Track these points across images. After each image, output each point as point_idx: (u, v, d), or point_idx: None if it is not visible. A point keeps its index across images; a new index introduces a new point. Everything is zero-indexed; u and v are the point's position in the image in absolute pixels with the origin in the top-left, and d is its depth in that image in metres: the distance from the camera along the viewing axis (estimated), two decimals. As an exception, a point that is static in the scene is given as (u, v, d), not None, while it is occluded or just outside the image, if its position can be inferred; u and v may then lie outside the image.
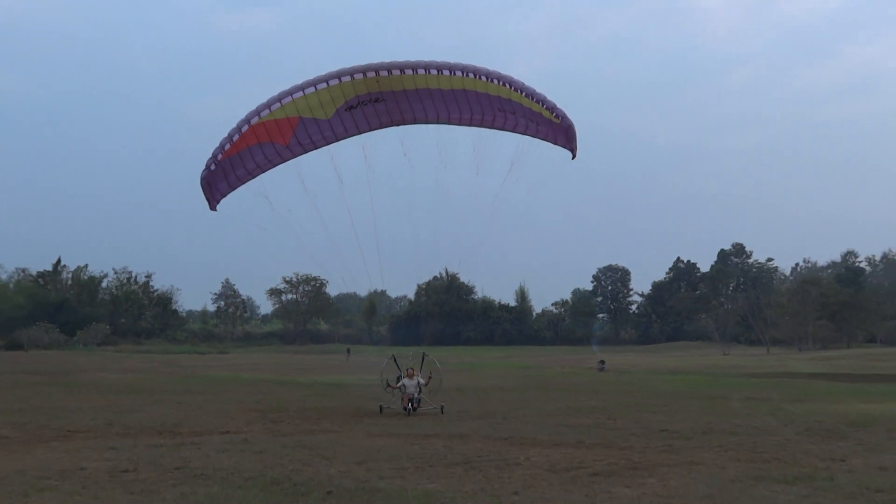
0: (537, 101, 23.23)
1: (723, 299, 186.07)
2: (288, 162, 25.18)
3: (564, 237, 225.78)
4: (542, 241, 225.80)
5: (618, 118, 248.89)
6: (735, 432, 23.56)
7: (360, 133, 24.13)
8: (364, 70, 22.51)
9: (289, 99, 22.74)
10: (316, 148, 24.02)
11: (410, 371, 27.94)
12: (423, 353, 29.56)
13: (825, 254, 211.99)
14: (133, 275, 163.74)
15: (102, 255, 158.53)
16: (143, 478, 15.45)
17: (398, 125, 24.29)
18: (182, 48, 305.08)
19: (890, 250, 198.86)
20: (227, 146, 23.07)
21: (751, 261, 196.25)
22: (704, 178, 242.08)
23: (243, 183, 23.99)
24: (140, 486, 14.73)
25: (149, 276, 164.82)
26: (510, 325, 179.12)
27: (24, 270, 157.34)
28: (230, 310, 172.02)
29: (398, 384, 27.66)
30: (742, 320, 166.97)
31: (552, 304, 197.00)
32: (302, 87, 22.63)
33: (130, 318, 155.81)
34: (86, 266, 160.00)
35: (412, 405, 27.17)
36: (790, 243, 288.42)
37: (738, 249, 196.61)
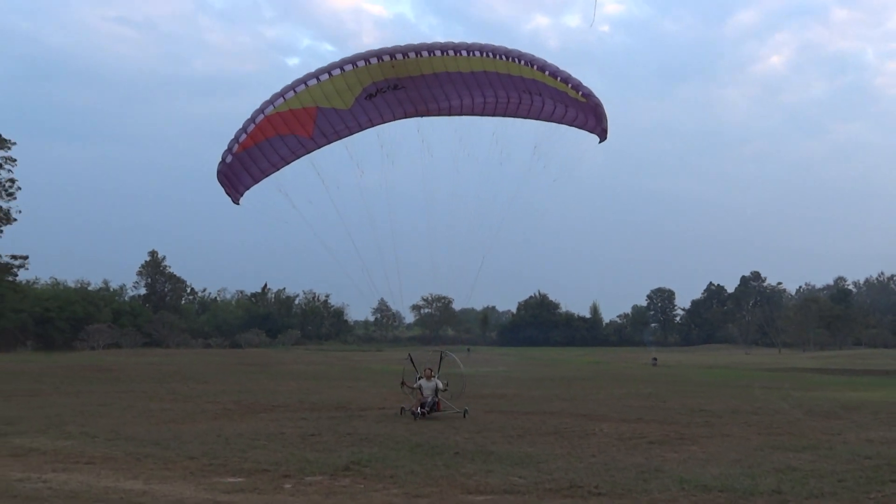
0: (562, 80, 18.09)
1: (744, 313, 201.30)
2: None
3: (626, 265, 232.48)
4: (610, 267, 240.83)
5: (664, 181, 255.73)
6: (756, 412, 24.88)
7: (383, 122, 19.64)
8: (379, 54, 17.99)
9: (303, 87, 18.18)
10: (340, 138, 19.56)
11: (428, 371, 22.18)
12: (441, 353, 23.16)
13: (822, 278, 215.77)
14: (316, 295, 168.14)
15: (297, 280, 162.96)
16: (325, 440, 17.03)
17: (421, 116, 19.72)
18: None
19: (871, 276, 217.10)
20: (243, 138, 18.65)
21: (765, 284, 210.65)
22: (729, 223, 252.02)
23: (267, 175, 19.57)
24: (322, 445, 16.50)
25: (327, 296, 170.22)
26: (586, 331, 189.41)
27: (241, 292, 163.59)
28: (384, 320, 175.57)
29: (416, 384, 22.13)
30: (759, 328, 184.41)
31: (617, 316, 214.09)
32: (317, 75, 18.20)
33: (315, 325, 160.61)
34: (284, 289, 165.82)
35: (424, 409, 21.17)
36: (795, 271, 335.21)
37: (756, 276, 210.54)
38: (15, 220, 79.98)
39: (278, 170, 19.47)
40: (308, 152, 19.39)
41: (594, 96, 18.29)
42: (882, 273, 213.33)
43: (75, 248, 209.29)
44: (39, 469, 13.11)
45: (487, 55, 17.86)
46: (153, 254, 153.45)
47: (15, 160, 79.86)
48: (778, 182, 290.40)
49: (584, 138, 19.59)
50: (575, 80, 18.09)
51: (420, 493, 11.62)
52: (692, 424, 20.74)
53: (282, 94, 18.29)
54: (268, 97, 18.58)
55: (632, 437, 17.92)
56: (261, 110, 18.34)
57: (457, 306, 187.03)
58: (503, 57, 17.86)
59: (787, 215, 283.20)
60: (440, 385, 21.89)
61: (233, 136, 18.75)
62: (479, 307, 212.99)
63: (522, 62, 17.83)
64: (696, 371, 60.58)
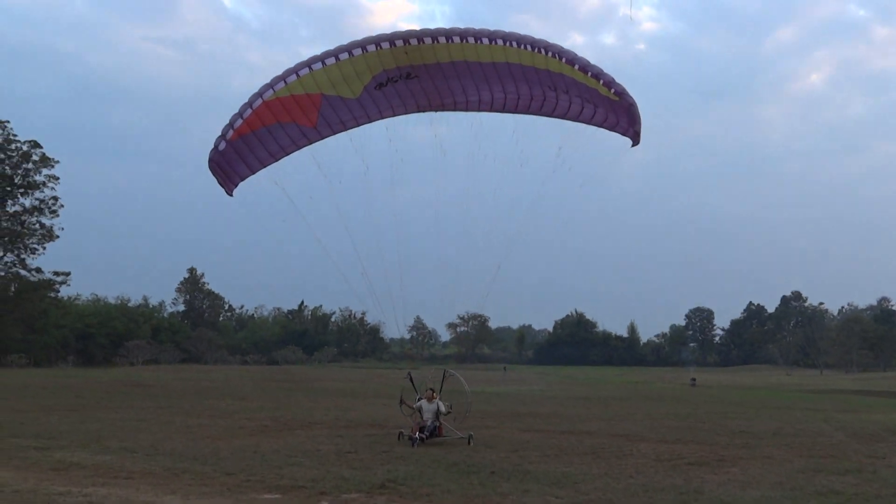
0: (593, 76, 16.06)
1: (785, 333, 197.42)
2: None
3: (664, 284, 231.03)
4: (648, 286, 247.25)
5: (703, 199, 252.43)
6: (797, 434, 24.47)
7: (393, 115, 17.73)
8: (392, 39, 16.02)
9: (307, 71, 16.14)
10: (345, 129, 17.57)
11: (429, 393, 19.98)
12: (445, 371, 21.45)
13: (865, 299, 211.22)
14: (353, 312, 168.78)
15: (334, 297, 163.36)
16: (361, 457, 17.16)
17: (435, 110, 17.75)
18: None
19: None
20: (239, 123, 16.73)
21: (806, 304, 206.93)
22: (769, 242, 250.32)
23: (265, 166, 17.69)
24: (359, 463, 16.57)
25: (363, 314, 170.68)
26: (623, 350, 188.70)
27: (279, 309, 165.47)
28: (420, 338, 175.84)
29: (415, 405, 20.07)
30: (800, 349, 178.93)
31: (655, 336, 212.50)
32: (322, 58, 16.14)
33: (351, 342, 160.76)
34: (321, 306, 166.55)
35: (423, 434, 18.94)
36: (837, 290, 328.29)
37: (797, 295, 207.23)
38: (57, 236, 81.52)
39: (277, 160, 17.76)
40: (310, 143, 17.66)
41: (628, 95, 16.42)
42: None
43: (116, 264, 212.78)
44: (80, 483, 13.25)
45: (511, 44, 15.98)
46: (192, 271, 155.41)
47: (58, 178, 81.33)
48: (818, 200, 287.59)
49: (615, 141, 17.67)
50: (607, 76, 16.25)
51: (456, 511, 11.63)
52: (732, 446, 20.48)
53: (283, 77, 16.44)
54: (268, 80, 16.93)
55: (670, 459, 17.74)
56: (259, 94, 16.57)
57: (464, 310, 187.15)
58: (528, 47, 15.97)
59: (828, 234, 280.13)
60: (442, 408, 19.76)
61: (227, 122, 17.02)
62: (515, 326, 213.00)
63: (550, 54, 15.97)
64: (736, 392, 59.82)
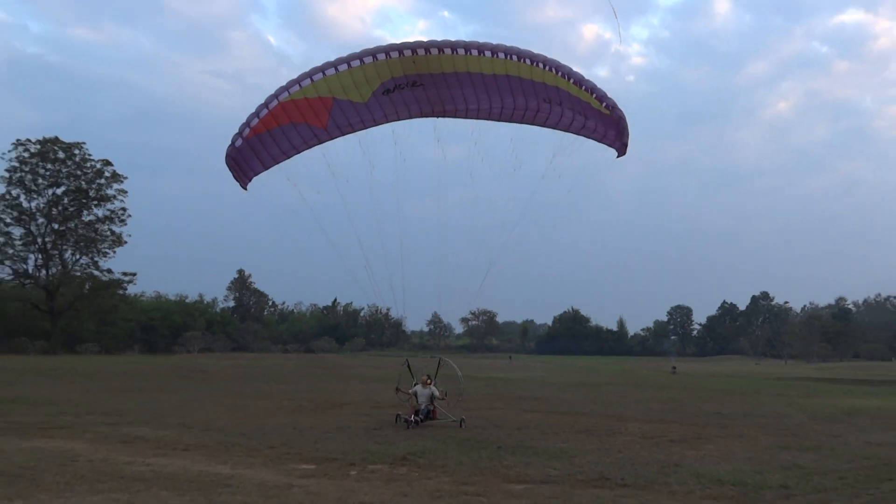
0: (586, 89, 15.60)
1: (754, 328, 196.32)
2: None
3: (649, 284, 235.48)
4: (635, 286, 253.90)
5: (684, 211, 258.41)
6: (765, 416, 24.55)
7: (398, 119, 16.92)
8: (401, 48, 15.40)
9: (320, 76, 15.48)
10: (354, 131, 16.82)
11: (425, 379, 19.18)
12: (440, 359, 20.22)
13: (824, 299, 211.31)
14: (379, 308, 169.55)
15: (362, 295, 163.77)
16: (385, 434, 17.48)
17: (437, 116, 17.00)
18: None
19: (869, 297, 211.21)
20: (255, 122, 16.02)
21: (773, 303, 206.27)
22: (741, 249, 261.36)
23: (278, 163, 16.90)
24: (383, 438, 16.73)
25: (388, 309, 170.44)
26: (613, 342, 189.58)
27: (315, 305, 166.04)
28: (437, 330, 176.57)
29: (411, 391, 19.22)
30: (768, 342, 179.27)
31: (641, 329, 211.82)
32: (335, 65, 15.49)
33: (377, 334, 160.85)
34: (351, 302, 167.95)
35: (418, 417, 18.26)
36: (800, 291, 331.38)
37: (765, 295, 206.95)
38: (125, 242, 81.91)
39: (289, 158, 16.92)
40: (320, 143, 16.84)
41: (618, 109, 16.01)
42: (879, 294, 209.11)
43: (175, 266, 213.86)
44: (144, 454, 13.37)
45: (512, 57, 15.37)
46: (240, 272, 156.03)
47: (126, 192, 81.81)
48: (786, 213, 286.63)
49: (604, 153, 17.07)
50: (600, 90, 15.79)
51: (467, 481, 11.64)
52: (708, 426, 20.41)
53: (297, 81, 15.68)
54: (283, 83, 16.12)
55: (654, 436, 17.71)
56: (275, 96, 15.80)
57: (460, 311, 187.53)
58: (528, 60, 15.36)
59: (793, 242, 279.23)
60: (436, 393, 18.91)
61: (244, 120, 16.29)
62: (519, 320, 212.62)
63: (548, 68, 15.42)
64: (712, 379, 59.30)
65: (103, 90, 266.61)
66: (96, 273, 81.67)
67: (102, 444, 14.58)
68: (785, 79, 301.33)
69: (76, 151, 78.26)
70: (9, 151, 75.79)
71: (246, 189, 17.24)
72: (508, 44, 15.68)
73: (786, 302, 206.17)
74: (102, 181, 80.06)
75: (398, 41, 15.47)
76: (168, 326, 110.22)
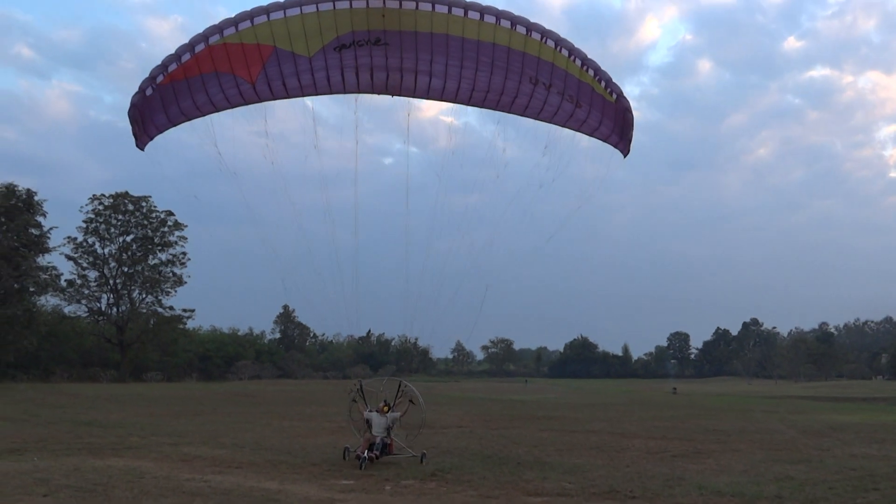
0: (589, 70, 11.78)
1: (746, 351, 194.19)
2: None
3: (650, 313, 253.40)
4: (637, 314, 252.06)
5: (678, 246, 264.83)
6: (759, 431, 24.23)
7: (344, 90, 12.25)
8: None
9: (264, 18, 11.20)
10: (287, 96, 12.17)
11: (382, 406, 14.57)
12: (400, 382, 15.83)
13: (808, 324, 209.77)
14: (408, 338, 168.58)
15: (393, 326, 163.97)
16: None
17: (391, 94, 12.41)
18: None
19: (849, 321, 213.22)
20: (174, 67, 11.55)
21: (763, 328, 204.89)
22: (732, 280, 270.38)
23: (189, 119, 12.39)
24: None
25: (416, 339, 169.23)
26: (619, 366, 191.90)
27: (351, 336, 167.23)
28: (460, 357, 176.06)
29: (365, 414, 14.63)
30: (758, 364, 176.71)
31: (643, 354, 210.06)
32: (284, 7, 11.24)
33: (406, 361, 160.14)
34: (383, 333, 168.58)
35: (372, 453, 13.79)
36: (787, 317, 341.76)
37: (755, 321, 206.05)
38: (185, 282, 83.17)
39: (203, 115, 12.38)
40: (245, 103, 12.28)
41: (625, 98, 12.32)
42: (858, 319, 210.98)
43: (229, 303, 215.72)
44: (202, 471, 13.31)
45: (501, 22, 11.49)
46: (285, 307, 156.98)
47: (186, 238, 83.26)
48: (770, 247, 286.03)
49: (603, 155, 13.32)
50: (605, 73, 12.06)
51: (490, 494, 11.49)
52: (707, 441, 20.07)
53: (235, 21, 11.40)
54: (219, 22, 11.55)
55: (658, 452, 17.45)
56: (204, 37, 11.47)
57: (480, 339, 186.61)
58: (520, 28, 11.54)
59: (778, 272, 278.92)
60: (396, 415, 14.60)
61: (159, 63, 11.73)
62: (533, 347, 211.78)
63: (544, 39, 11.61)
64: (709, 398, 58.34)
65: (163, 151, 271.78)
66: (160, 310, 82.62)
67: (165, 462, 14.54)
68: (763, 128, 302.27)
69: (143, 204, 79.49)
70: (86, 205, 77.58)
71: (143, 149, 12.79)
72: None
73: (774, 327, 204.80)
74: (166, 229, 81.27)
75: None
76: (222, 356, 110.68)
